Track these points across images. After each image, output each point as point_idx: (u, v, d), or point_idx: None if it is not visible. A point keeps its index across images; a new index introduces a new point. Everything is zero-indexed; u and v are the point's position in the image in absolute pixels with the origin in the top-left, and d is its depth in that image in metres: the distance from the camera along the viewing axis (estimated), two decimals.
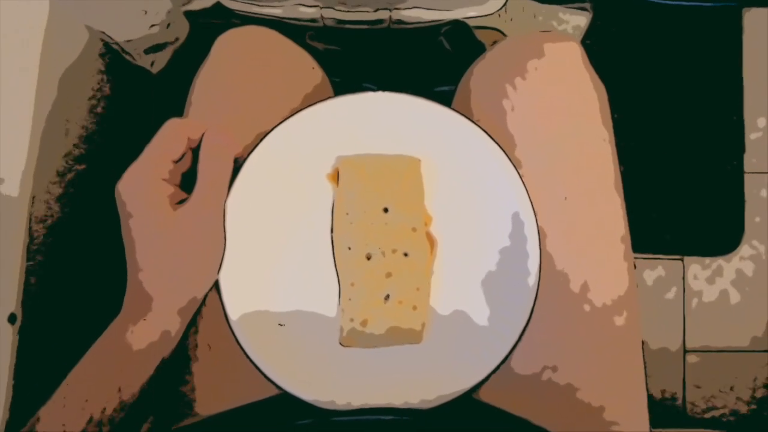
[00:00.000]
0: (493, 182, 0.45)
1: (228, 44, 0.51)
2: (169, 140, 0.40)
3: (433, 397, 0.42)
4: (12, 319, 0.51)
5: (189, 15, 0.73)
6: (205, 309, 0.44)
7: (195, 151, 0.42)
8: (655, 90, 1.04)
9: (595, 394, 0.45)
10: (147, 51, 0.73)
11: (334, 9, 0.67)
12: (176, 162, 0.41)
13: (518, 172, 0.44)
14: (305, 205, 0.45)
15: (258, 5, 0.68)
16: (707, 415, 1.01)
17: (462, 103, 0.51)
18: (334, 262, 0.45)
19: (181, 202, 0.41)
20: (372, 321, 0.44)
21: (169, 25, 0.71)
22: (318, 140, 0.45)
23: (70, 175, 0.62)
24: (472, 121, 0.45)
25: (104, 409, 0.37)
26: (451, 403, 0.42)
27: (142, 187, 0.39)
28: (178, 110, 0.49)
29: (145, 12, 0.67)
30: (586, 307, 0.45)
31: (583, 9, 0.76)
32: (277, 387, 0.42)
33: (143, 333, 0.39)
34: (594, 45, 0.97)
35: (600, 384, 0.45)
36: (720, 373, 1.01)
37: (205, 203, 0.41)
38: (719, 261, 1.03)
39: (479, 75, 0.51)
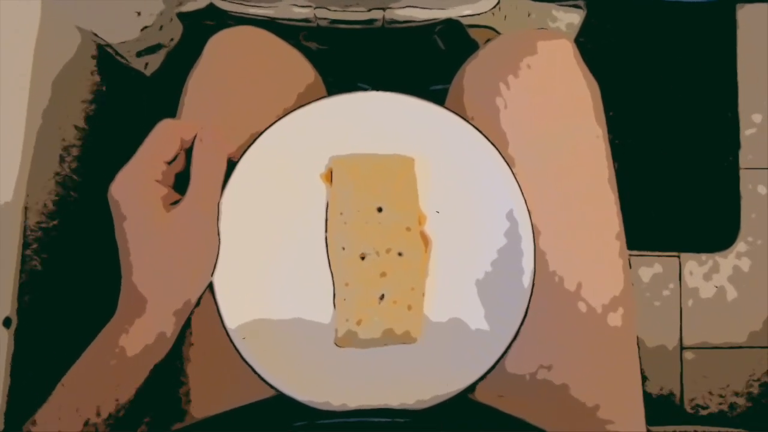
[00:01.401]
0: (487, 181, 0.45)
1: (220, 45, 0.51)
2: (161, 141, 0.40)
3: (429, 397, 0.42)
4: (7, 323, 0.50)
5: (182, 16, 0.73)
6: (200, 310, 0.44)
7: (188, 152, 0.42)
8: (650, 87, 1.03)
9: (590, 393, 0.45)
10: (140, 53, 0.72)
11: (327, 9, 0.67)
12: (169, 163, 0.41)
13: (512, 171, 0.44)
14: (299, 205, 0.45)
15: (251, 6, 0.68)
16: (705, 412, 1.01)
17: (455, 102, 0.51)
18: (329, 262, 0.45)
19: (175, 203, 0.40)
20: (367, 321, 0.43)
21: (162, 26, 0.71)
22: (311, 140, 0.45)
23: (64, 178, 0.62)
24: (466, 120, 0.45)
25: (99, 412, 0.37)
26: (446, 403, 0.42)
27: (135, 188, 0.39)
28: (172, 112, 0.49)
29: (138, 14, 0.67)
30: (581, 306, 0.45)
31: (577, 6, 0.76)
32: (272, 388, 0.41)
33: (138, 335, 0.39)
34: (588, 42, 0.97)
35: (595, 383, 0.45)
36: (717, 369, 1.01)
37: (199, 204, 0.41)
38: (716, 257, 1.03)
39: (472, 73, 0.51)
